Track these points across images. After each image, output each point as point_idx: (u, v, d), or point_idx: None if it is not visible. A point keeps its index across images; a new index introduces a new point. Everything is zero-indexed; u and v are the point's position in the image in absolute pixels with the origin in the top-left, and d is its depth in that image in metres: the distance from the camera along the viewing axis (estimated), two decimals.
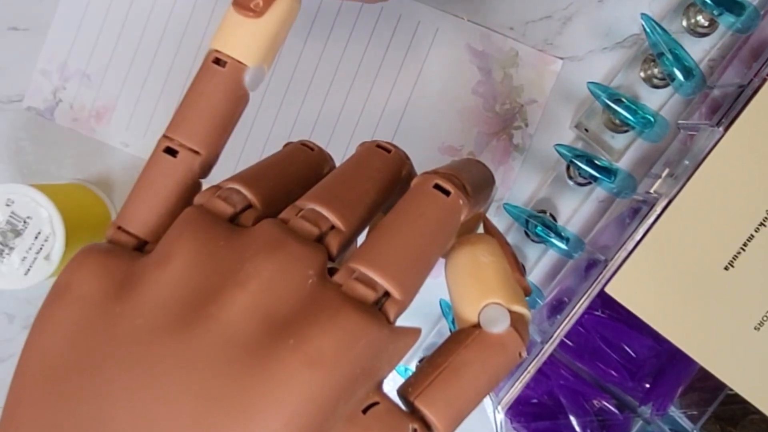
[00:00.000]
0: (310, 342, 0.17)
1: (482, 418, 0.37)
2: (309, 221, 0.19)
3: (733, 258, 0.31)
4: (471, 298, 0.21)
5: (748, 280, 0.31)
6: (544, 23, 0.39)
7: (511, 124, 0.40)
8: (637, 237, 0.31)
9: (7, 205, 0.35)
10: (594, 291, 0.32)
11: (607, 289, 0.32)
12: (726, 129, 0.31)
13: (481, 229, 0.24)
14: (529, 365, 0.33)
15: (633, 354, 0.35)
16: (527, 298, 0.22)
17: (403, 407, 0.19)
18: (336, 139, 0.40)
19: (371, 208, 0.21)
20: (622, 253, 0.32)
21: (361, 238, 0.21)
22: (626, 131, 0.38)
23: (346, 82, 0.40)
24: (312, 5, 0.40)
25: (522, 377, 0.33)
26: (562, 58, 0.39)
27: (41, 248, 0.35)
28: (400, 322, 0.19)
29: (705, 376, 0.31)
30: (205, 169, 0.22)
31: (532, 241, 0.40)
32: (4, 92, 0.41)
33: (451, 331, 0.30)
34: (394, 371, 0.22)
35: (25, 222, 0.35)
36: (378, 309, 0.18)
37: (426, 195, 0.20)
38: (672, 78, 0.35)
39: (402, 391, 0.20)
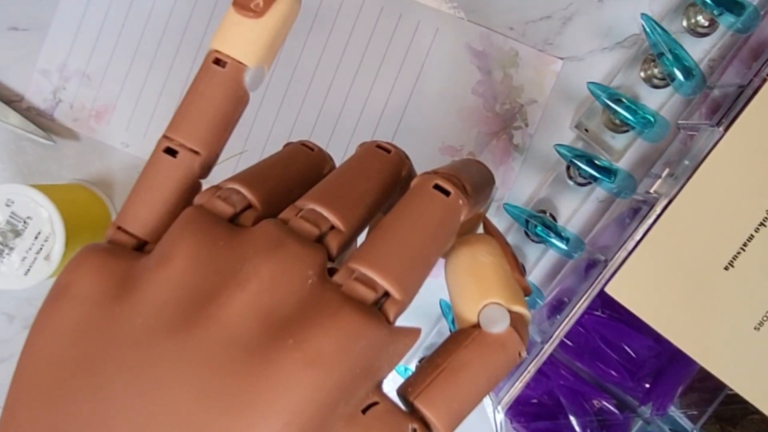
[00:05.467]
0: (309, 342, 0.17)
1: (482, 418, 0.37)
2: (309, 221, 0.19)
3: (733, 258, 0.31)
4: (471, 298, 0.21)
5: (748, 280, 0.31)
6: (544, 23, 0.39)
7: (511, 124, 0.40)
8: (637, 237, 0.31)
9: (7, 206, 0.35)
10: (594, 291, 0.32)
11: (607, 289, 0.32)
12: (726, 129, 0.31)
13: (481, 229, 0.24)
14: (529, 365, 0.33)
15: (633, 354, 0.35)
16: (527, 298, 0.22)
17: (402, 407, 0.19)
18: (336, 139, 0.40)
19: (371, 208, 0.21)
20: (622, 253, 0.32)
21: (360, 239, 0.21)
22: (626, 131, 0.38)
23: (346, 82, 0.40)
24: (312, 5, 0.40)
25: (522, 377, 0.33)
26: (562, 58, 0.39)
27: (41, 248, 0.35)
28: (400, 322, 0.19)
29: (705, 376, 0.31)
30: (205, 170, 0.21)
31: (532, 241, 0.40)
32: (4, 92, 0.41)
33: (450, 331, 0.30)
34: (393, 371, 0.22)
35: (25, 222, 0.35)
36: (378, 309, 0.18)
37: (426, 195, 0.20)
38: (672, 78, 0.35)
39: (401, 391, 0.20)
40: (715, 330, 0.31)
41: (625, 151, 0.38)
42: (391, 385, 0.19)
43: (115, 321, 0.18)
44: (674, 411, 0.36)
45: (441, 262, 0.22)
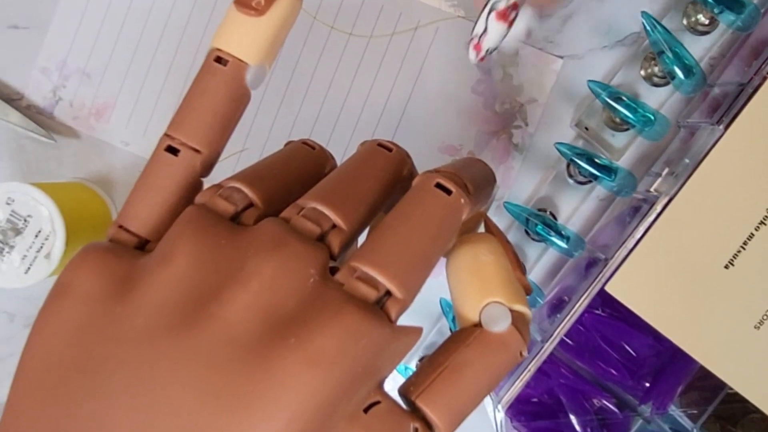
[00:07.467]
0: (311, 341, 0.17)
1: (482, 417, 0.37)
2: (310, 220, 0.19)
3: (734, 257, 0.31)
4: (472, 297, 0.21)
5: (749, 279, 0.31)
6: (544, 22, 0.39)
7: (511, 123, 0.40)
8: (638, 235, 0.31)
9: (8, 204, 0.35)
10: (594, 289, 0.32)
11: (607, 288, 0.32)
12: (726, 127, 0.31)
13: (482, 228, 0.24)
14: (529, 364, 0.33)
15: (633, 353, 0.36)
16: (528, 297, 0.22)
17: (404, 406, 0.19)
18: (336, 138, 0.40)
19: (373, 207, 0.21)
20: (623, 252, 0.32)
21: (362, 238, 0.21)
22: (627, 129, 0.38)
23: (346, 82, 0.40)
24: (312, 5, 0.40)
25: (522, 376, 0.33)
26: (562, 57, 0.39)
27: (42, 247, 0.35)
28: (401, 321, 0.19)
29: (705, 374, 0.31)
30: (207, 168, 0.22)
31: (533, 239, 0.40)
32: (4, 90, 0.41)
33: (451, 330, 0.30)
34: (395, 370, 0.22)
35: (25, 220, 0.35)
36: (379, 308, 0.18)
37: (427, 194, 0.20)
38: (672, 76, 0.34)
39: (403, 391, 0.20)
40: (716, 329, 0.31)
41: (625, 149, 0.38)
42: (392, 384, 0.19)
43: (116, 320, 0.18)
44: (674, 410, 0.36)
45: (442, 261, 0.22)
